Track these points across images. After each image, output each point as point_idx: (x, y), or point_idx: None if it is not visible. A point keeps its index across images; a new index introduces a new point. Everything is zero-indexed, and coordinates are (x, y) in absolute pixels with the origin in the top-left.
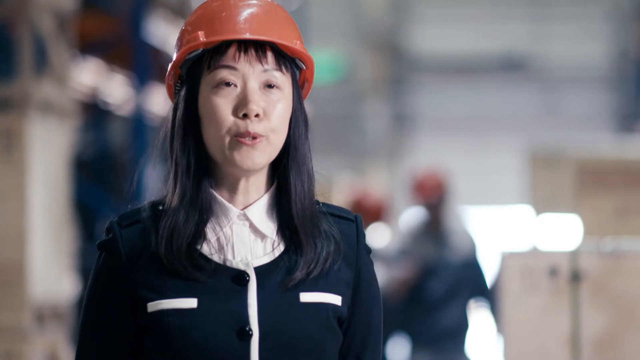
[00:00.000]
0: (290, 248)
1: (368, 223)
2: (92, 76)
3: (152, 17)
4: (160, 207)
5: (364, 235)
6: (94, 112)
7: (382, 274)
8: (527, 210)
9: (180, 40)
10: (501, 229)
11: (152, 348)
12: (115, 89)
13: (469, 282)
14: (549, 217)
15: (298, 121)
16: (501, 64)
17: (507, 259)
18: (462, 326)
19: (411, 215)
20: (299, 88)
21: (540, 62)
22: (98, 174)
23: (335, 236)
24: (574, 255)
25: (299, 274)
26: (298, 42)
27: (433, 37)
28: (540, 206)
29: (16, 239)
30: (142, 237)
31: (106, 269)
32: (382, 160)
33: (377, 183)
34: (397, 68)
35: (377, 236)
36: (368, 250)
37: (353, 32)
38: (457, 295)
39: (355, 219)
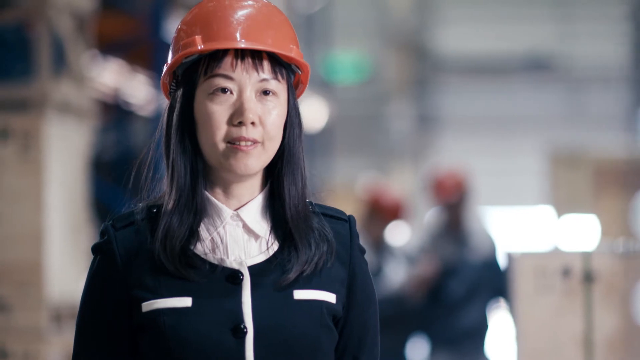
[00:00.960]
0: (283, 247)
1: (386, 222)
2: (113, 77)
3: (172, 17)
4: (155, 210)
5: (357, 235)
6: (116, 112)
7: (401, 274)
8: (548, 211)
9: (176, 41)
10: (522, 230)
11: (148, 348)
12: (137, 89)
13: (488, 282)
14: (569, 217)
15: (293, 126)
16: (525, 64)
17: (520, 259)
18: (481, 326)
19: (431, 215)
20: (294, 92)
21: (565, 62)
22: (119, 174)
23: (327, 236)
24: (586, 255)
25: (292, 273)
26: (294, 47)
27: (458, 37)
28: (561, 207)
29: (33, 239)
30: (137, 238)
31: (101, 271)
32: (406, 160)
33: (401, 183)
34: (422, 68)
35: (396, 235)
36: (362, 250)
37: (378, 32)
38: (477, 295)
39: (348, 219)
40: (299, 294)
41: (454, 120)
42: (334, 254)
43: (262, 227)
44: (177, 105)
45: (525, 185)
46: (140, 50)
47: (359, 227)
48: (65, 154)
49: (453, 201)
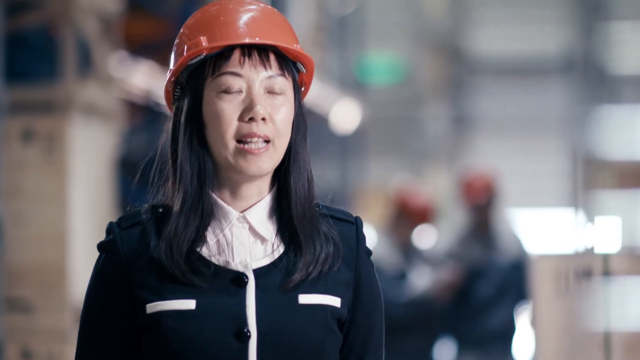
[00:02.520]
0: (289, 250)
1: (414, 225)
2: (144, 78)
3: None
4: (161, 210)
5: (364, 238)
6: (147, 113)
7: (428, 276)
8: (576, 213)
9: (180, 45)
10: (550, 232)
11: (151, 349)
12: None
13: (516, 284)
14: (597, 219)
15: (299, 125)
16: (560, 66)
17: (539, 261)
18: (509, 328)
19: (460, 218)
20: (300, 91)
21: (599, 64)
22: (148, 175)
23: (334, 238)
24: (605, 257)
25: (297, 276)
26: (298, 45)
27: (492, 38)
28: (589, 209)
29: (57, 241)
30: (142, 239)
31: (106, 270)
32: (441, 162)
33: (435, 185)
34: (457, 70)
35: (423, 238)
36: (368, 252)
37: (412, 33)
38: (505, 297)
39: (355, 221)
40: (304, 299)
41: (488, 121)
42: (340, 258)
43: (269, 229)
44: (184, 107)
45: (556, 187)
46: (170, 52)
47: (386, 229)
48: (90, 156)
49: (481, 203)
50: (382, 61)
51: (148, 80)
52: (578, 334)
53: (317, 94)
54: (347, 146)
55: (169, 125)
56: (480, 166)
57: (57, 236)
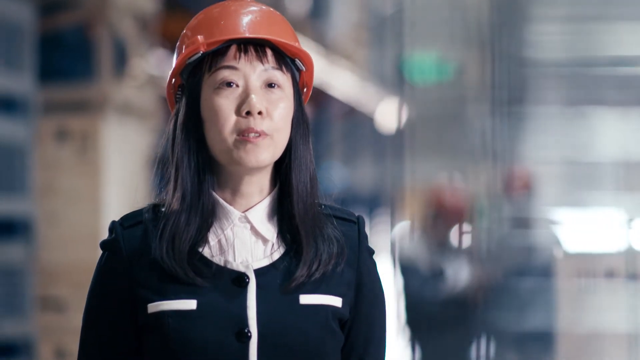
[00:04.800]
0: (291, 250)
1: (451, 223)
2: None
3: None
4: (163, 209)
5: (366, 237)
6: None
7: (465, 275)
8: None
9: (180, 45)
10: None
11: (152, 348)
12: None
13: (555, 283)
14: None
15: (299, 123)
16: (609, 63)
17: (564, 260)
18: (548, 328)
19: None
20: (299, 90)
21: None
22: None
23: (338, 238)
24: (630, 256)
25: (299, 276)
26: (296, 43)
27: (540, 37)
28: (633, 209)
29: (90, 240)
30: (144, 238)
31: (108, 269)
32: (487, 161)
33: (480, 185)
34: (503, 68)
35: (461, 237)
36: (371, 251)
37: (459, 32)
38: (543, 296)
39: (357, 220)
40: (305, 299)
41: (535, 120)
42: (344, 258)
43: (270, 229)
44: (183, 105)
45: (599, 186)
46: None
47: (423, 228)
48: (124, 155)
49: (518, 200)
50: (427, 59)
51: None
52: (603, 332)
53: (360, 92)
54: (391, 145)
55: (169, 126)
56: (519, 164)
57: (91, 235)
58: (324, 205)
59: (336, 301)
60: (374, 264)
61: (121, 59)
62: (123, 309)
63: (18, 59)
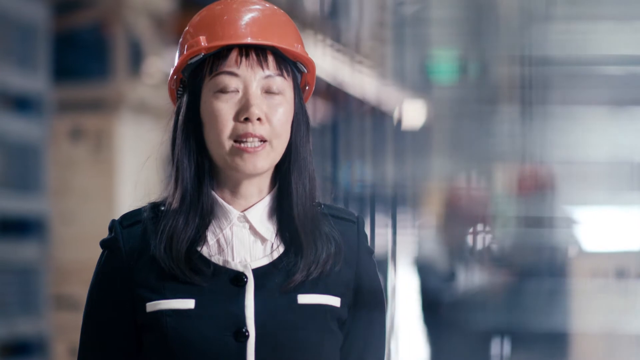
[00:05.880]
0: (290, 250)
1: (466, 224)
2: None
3: None
4: (162, 208)
5: (365, 236)
6: None
7: (481, 276)
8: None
9: (182, 43)
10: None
11: (151, 348)
12: None
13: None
14: None
15: (299, 125)
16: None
17: (577, 259)
18: (563, 328)
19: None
20: (300, 91)
21: None
22: None
23: (336, 238)
24: None
25: (298, 276)
26: (299, 46)
27: (564, 36)
28: None
29: None
30: (143, 237)
31: (107, 268)
32: (509, 162)
33: (503, 184)
34: (528, 68)
35: (476, 237)
36: (370, 251)
37: (483, 31)
38: (559, 296)
39: (356, 220)
40: (303, 299)
41: (557, 120)
42: (342, 258)
43: (269, 229)
44: (183, 106)
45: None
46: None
47: (438, 228)
48: (140, 154)
49: (532, 199)
50: (449, 58)
51: None
52: (616, 332)
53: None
54: (413, 144)
55: (170, 123)
56: (534, 162)
57: (105, 234)
58: (323, 205)
59: (334, 301)
60: (373, 263)
61: (136, 58)
62: (123, 308)
63: (32, 58)
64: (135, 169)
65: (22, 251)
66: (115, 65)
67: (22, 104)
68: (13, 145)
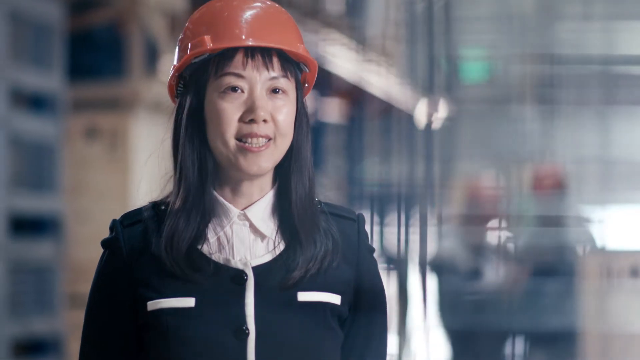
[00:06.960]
0: (290, 248)
1: (486, 221)
2: None
3: None
4: (163, 207)
5: (365, 235)
6: None
7: (500, 273)
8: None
9: (184, 40)
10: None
11: (152, 346)
12: None
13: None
14: None
15: (301, 124)
16: None
17: (588, 258)
18: (579, 326)
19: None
20: (302, 90)
21: None
22: None
23: (333, 234)
24: None
25: (297, 273)
26: (302, 46)
27: (581, 35)
28: None
29: None
30: (144, 236)
31: (108, 267)
32: (529, 160)
33: (522, 182)
34: (547, 67)
35: (496, 234)
36: (370, 249)
37: (504, 30)
38: (575, 295)
39: (357, 218)
40: (303, 296)
41: (576, 119)
42: (339, 254)
43: (269, 227)
44: (186, 105)
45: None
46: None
47: (458, 225)
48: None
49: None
50: (470, 57)
51: None
52: (628, 331)
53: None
54: (433, 143)
55: (171, 121)
56: (554, 162)
57: None
58: (323, 203)
59: (335, 298)
60: (374, 262)
61: (152, 57)
62: (124, 307)
63: (48, 57)
64: (150, 168)
65: (37, 250)
66: (130, 64)
67: (37, 103)
68: (28, 145)
